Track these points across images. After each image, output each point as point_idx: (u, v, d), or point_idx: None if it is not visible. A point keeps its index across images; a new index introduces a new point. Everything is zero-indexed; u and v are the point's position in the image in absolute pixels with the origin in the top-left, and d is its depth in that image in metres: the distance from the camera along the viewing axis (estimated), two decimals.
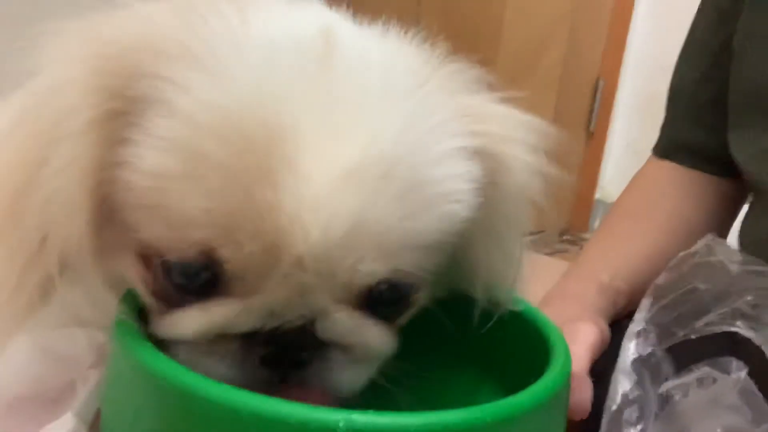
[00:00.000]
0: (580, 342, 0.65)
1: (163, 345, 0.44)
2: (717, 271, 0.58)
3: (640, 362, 0.59)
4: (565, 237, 2.59)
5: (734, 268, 0.57)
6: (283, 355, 0.43)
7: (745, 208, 0.90)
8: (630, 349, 0.59)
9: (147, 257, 0.45)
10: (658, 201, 0.92)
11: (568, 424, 0.48)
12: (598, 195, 2.76)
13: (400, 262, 0.42)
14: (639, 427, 0.56)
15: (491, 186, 0.47)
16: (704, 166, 0.92)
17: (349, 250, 0.40)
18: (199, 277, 0.42)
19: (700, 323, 0.58)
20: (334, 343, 0.45)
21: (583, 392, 0.60)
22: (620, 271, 0.83)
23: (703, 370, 0.53)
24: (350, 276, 0.41)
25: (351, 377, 0.46)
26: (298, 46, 0.43)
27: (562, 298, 0.79)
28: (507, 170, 0.48)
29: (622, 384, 0.57)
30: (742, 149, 0.81)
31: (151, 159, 0.40)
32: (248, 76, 0.41)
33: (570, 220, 2.69)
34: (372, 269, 0.41)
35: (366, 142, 0.40)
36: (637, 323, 0.61)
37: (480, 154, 0.46)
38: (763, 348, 0.53)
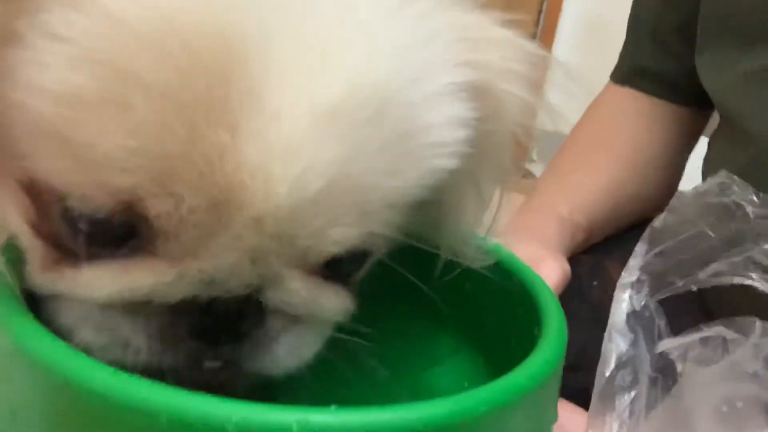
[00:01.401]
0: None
1: (44, 305, 0.34)
2: (730, 214, 0.49)
3: (634, 317, 0.51)
4: None
5: (752, 210, 0.48)
6: (218, 326, 0.34)
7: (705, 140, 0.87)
8: (623, 303, 0.51)
9: (36, 191, 0.34)
10: (616, 130, 0.89)
11: None
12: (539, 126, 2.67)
13: (375, 225, 0.35)
14: (632, 393, 0.48)
15: (483, 131, 0.40)
16: (666, 93, 0.89)
17: (320, 211, 0.32)
18: (115, 230, 0.33)
19: (704, 273, 0.50)
20: (282, 311, 0.35)
21: None
22: (579, 204, 0.81)
23: (715, 329, 0.45)
24: (316, 241, 0.33)
25: (297, 353, 0.38)
26: None
27: (519, 232, 0.76)
28: (504, 113, 0.41)
29: (617, 344, 0.49)
30: (712, 75, 0.77)
31: (54, 73, 0.30)
32: None
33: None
34: (344, 235, 0.34)
35: (352, 73, 0.32)
36: (630, 272, 0.52)
37: (477, 92, 0.39)
38: None
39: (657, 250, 0.53)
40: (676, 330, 0.54)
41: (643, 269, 0.52)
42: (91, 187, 0.31)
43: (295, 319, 0.37)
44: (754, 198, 0.49)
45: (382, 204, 0.35)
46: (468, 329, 0.52)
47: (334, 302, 0.39)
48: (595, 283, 0.84)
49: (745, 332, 0.44)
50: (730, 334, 0.44)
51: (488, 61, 0.40)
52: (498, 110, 0.40)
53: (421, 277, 0.44)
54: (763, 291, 0.46)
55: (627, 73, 0.93)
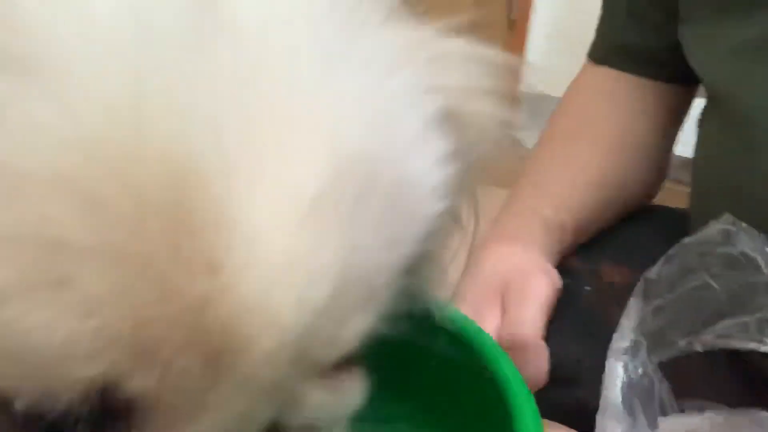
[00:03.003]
0: (531, 300, 0.60)
1: None
2: (739, 266, 0.42)
3: (630, 389, 0.43)
4: None
5: (765, 262, 0.40)
6: None
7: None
8: (617, 374, 0.43)
9: None
10: (597, 118, 0.83)
11: None
12: (521, 88, 2.60)
13: (384, 304, 0.30)
14: None
15: (462, 162, 0.35)
16: (648, 70, 0.82)
17: (331, 316, 0.27)
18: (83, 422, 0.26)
19: (710, 332, 0.43)
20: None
21: (539, 360, 0.55)
22: (563, 203, 0.75)
23: (722, 415, 0.37)
24: (331, 347, 0.29)
25: None
26: (169, 5, 0.27)
27: (502, 240, 0.69)
28: (478, 137, 0.36)
29: (612, 429, 0.41)
30: (699, 48, 0.70)
31: None
32: (103, 81, 0.24)
33: None
34: (358, 329, 0.29)
35: (324, 146, 0.26)
36: (624, 334, 0.44)
37: (448, 120, 0.34)
38: None
39: (654, 305, 0.45)
40: (685, 394, 0.46)
41: (639, 329, 0.44)
42: (45, 386, 0.25)
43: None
44: (767, 249, 0.41)
45: (389, 281, 0.30)
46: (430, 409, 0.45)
47: (354, 391, 0.34)
48: (587, 288, 0.77)
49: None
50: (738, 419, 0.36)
51: (451, 82, 0.35)
52: (471, 135, 0.36)
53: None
54: None
55: (604, 52, 0.86)
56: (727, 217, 0.43)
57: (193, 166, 0.24)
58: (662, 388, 0.45)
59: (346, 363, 0.32)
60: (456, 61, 0.36)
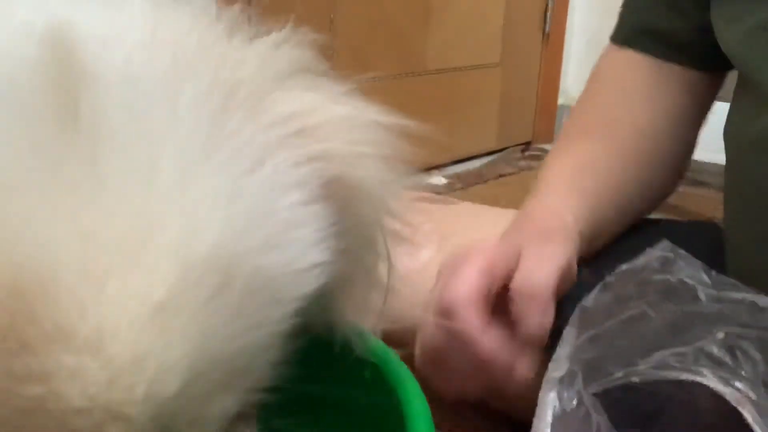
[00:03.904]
0: (547, 259, 0.58)
1: None
2: (677, 294, 0.40)
3: (562, 420, 0.41)
4: (527, 152, 2.39)
5: (704, 291, 0.39)
6: None
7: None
8: (549, 404, 0.41)
9: None
10: (618, 112, 0.79)
11: None
12: (561, 100, 2.55)
13: (257, 374, 0.31)
14: None
15: (349, 226, 0.36)
16: (675, 54, 0.78)
17: (189, 401, 0.28)
18: None
19: (647, 363, 0.41)
20: None
21: (545, 316, 0.54)
22: (581, 212, 0.71)
23: None
24: (195, 426, 0.29)
25: None
26: (10, 86, 0.28)
27: (527, 229, 0.66)
28: (365, 201, 0.36)
29: None
30: (731, 27, 0.67)
31: None
32: None
33: (532, 132, 2.52)
34: (224, 405, 0.30)
35: (173, 251, 0.27)
36: (559, 364, 0.43)
37: (327, 186, 0.34)
38: (743, 412, 0.36)
39: (590, 333, 0.43)
40: (625, 423, 0.44)
41: (574, 358, 0.43)
42: None
43: None
44: (705, 277, 0.39)
45: (257, 355, 0.31)
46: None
47: None
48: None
49: None
50: None
51: (331, 149, 0.35)
52: (357, 200, 0.36)
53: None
54: (716, 390, 0.37)
55: (629, 34, 0.81)
56: (665, 243, 0.42)
57: (33, 278, 0.25)
58: (600, 420, 0.43)
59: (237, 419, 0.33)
60: (334, 126, 0.36)
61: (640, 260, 0.42)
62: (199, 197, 0.29)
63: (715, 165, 0.80)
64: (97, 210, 0.27)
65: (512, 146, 2.39)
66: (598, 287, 0.44)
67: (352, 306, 0.41)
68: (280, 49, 0.36)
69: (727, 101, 0.75)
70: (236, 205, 0.30)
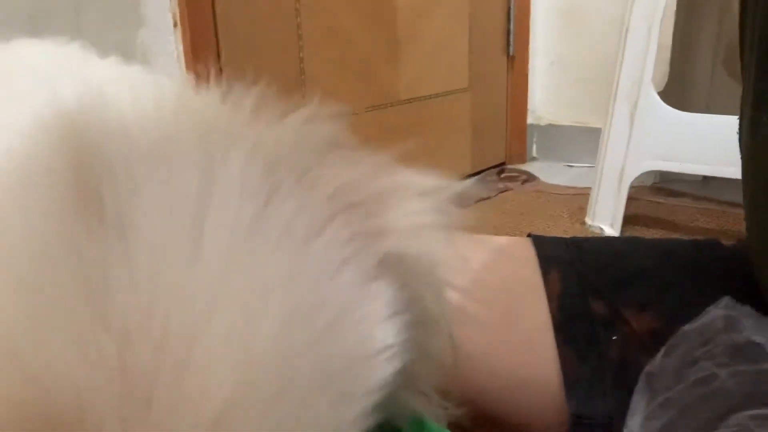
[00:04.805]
0: None
1: None
2: (746, 354, 0.39)
3: None
4: (504, 174, 2.44)
5: None
6: None
7: None
8: None
9: None
10: None
11: None
12: (530, 120, 2.62)
13: None
14: None
15: (404, 296, 0.32)
16: None
17: None
18: None
19: (725, 427, 0.40)
20: None
21: None
22: None
23: None
24: None
25: None
26: (32, 183, 0.25)
27: None
28: (420, 270, 0.33)
29: None
30: None
31: None
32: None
33: (505, 153, 2.60)
34: None
35: (223, 343, 0.24)
36: None
37: (382, 263, 0.31)
38: None
39: (659, 399, 0.42)
40: None
41: (646, 426, 0.42)
42: None
43: None
44: None
45: None
46: None
47: None
48: (614, 338, 0.71)
49: None
50: None
51: (384, 224, 0.33)
52: (415, 276, 0.33)
53: None
54: None
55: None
56: (727, 301, 0.41)
57: (67, 402, 0.23)
58: None
59: None
60: (389, 199, 0.33)
61: (703, 320, 0.41)
62: (249, 285, 0.26)
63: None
64: (135, 311, 0.24)
65: (487, 169, 2.42)
66: (662, 350, 0.43)
67: (412, 391, 0.38)
68: (312, 124, 0.34)
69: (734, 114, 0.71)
70: (291, 290, 0.27)
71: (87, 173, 0.25)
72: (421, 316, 0.34)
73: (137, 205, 0.25)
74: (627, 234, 1.62)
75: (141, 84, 0.32)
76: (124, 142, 0.27)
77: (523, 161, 2.58)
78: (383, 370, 0.30)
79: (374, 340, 0.29)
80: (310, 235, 0.28)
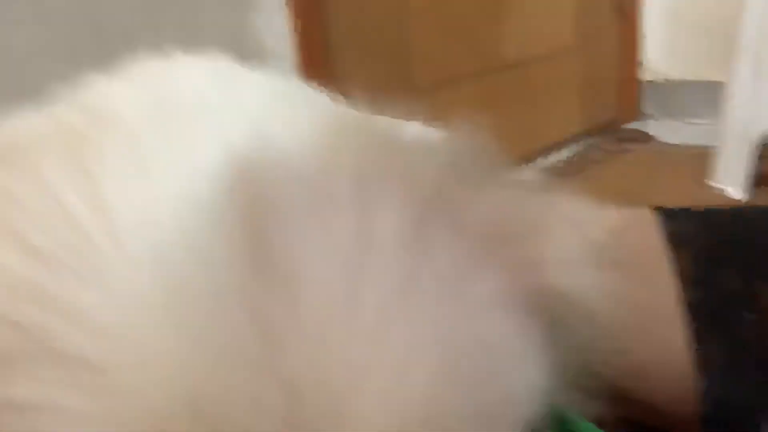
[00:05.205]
0: None
1: None
2: None
3: None
4: (620, 135, 2.37)
5: None
6: None
7: None
8: None
9: None
10: None
11: None
12: (644, 76, 2.49)
13: None
14: None
15: (557, 335, 0.31)
16: None
17: None
18: None
19: None
20: None
21: None
22: None
23: None
24: None
25: None
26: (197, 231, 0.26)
27: None
28: (575, 309, 0.32)
29: None
30: None
31: None
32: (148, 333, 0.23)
33: (618, 113, 2.48)
34: None
35: (380, 395, 0.24)
36: None
37: (535, 299, 0.30)
38: None
39: None
40: None
41: None
42: None
43: None
44: None
45: None
46: None
47: None
48: (745, 313, 0.66)
49: None
50: None
51: (538, 257, 0.31)
52: (570, 314, 0.32)
53: None
54: None
55: None
56: None
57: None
58: None
59: None
60: (541, 228, 0.32)
61: None
62: (404, 335, 0.26)
63: None
64: (297, 358, 0.24)
65: (597, 128, 2.34)
66: None
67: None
68: (457, 143, 0.34)
69: None
70: (445, 338, 0.27)
71: (259, 223, 0.26)
72: (572, 357, 0.33)
73: (301, 255, 0.26)
74: (759, 196, 1.54)
75: (295, 101, 0.32)
76: (290, 187, 0.27)
77: (635, 119, 2.49)
78: (532, 415, 0.29)
79: (524, 386, 0.29)
80: (461, 276, 0.28)
